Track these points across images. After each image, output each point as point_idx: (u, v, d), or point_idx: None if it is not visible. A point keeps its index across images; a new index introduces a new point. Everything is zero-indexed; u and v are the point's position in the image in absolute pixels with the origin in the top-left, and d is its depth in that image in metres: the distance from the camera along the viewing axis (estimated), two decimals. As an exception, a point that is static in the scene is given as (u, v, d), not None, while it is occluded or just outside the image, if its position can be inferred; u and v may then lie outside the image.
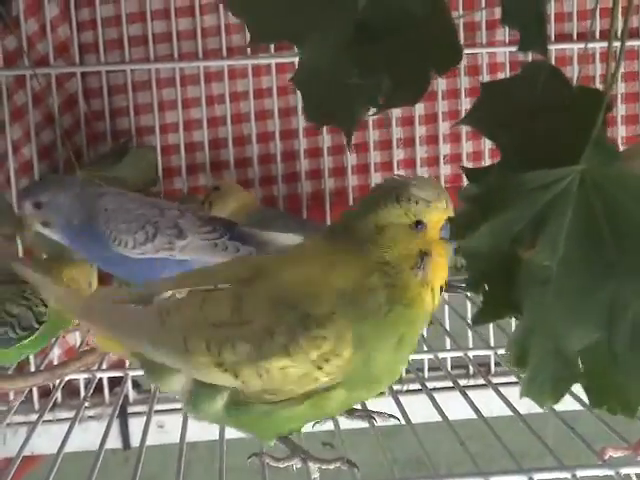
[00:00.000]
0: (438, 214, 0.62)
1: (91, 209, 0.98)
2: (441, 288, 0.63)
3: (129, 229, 0.96)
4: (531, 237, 0.49)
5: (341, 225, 0.65)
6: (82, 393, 1.12)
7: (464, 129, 1.20)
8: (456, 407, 0.81)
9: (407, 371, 1.15)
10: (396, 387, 1.12)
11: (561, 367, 0.49)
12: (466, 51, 1.17)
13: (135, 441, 1.13)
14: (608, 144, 0.49)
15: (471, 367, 1.14)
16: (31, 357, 1.10)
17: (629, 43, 1.16)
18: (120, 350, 0.70)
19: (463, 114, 1.19)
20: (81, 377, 1.02)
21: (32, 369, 1.09)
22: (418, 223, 0.61)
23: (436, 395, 0.81)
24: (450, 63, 0.54)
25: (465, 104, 1.19)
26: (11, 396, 1.08)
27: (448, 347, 1.08)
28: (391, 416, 0.74)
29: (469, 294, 1.11)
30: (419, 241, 0.62)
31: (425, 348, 0.99)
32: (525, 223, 0.49)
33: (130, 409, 1.15)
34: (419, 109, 1.20)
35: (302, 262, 0.65)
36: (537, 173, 0.48)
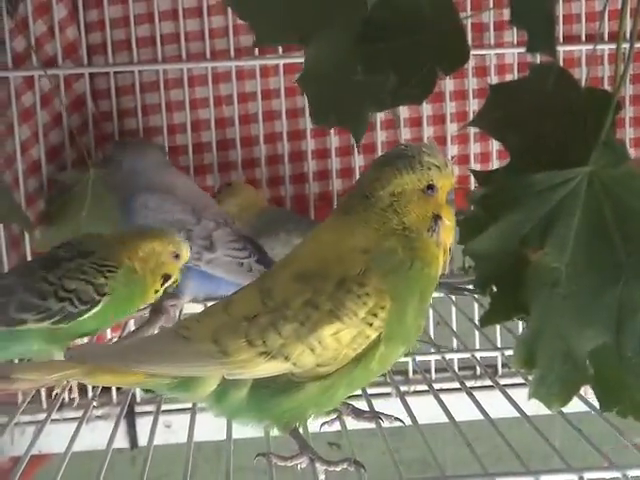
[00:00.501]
0: (447, 179, 0.65)
1: (133, 196, 1.01)
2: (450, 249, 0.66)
3: None
4: (539, 239, 0.49)
5: (353, 200, 0.66)
6: (90, 393, 1.13)
7: (472, 130, 1.20)
8: (463, 408, 0.81)
9: (414, 372, 1.15)
10: (403, 388, 1.12)
11: (570, 369, 0.49)
12: (474, 52, 1.17)
13: (142, 441, 1.13)
14: (617, 145, 0.49)
15: (478, 368, 1.14)
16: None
17: (638, 45, 1.15)
18: (122, 382, 0.70)
19: (471, 115, 1.19)
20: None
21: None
22: (429, 187, 0.64)
23: (443, 396, 0.81)
24: (457, 63, 0.54)
25: (473, 105, 1.19)
26: (19, 396, 1.08)
27: (455, 348, 1.08)
28: (397, 419, 0.75)
29: (476, 296, 1.11)
30: (432, 205, 0.65)
31: (432, 349, 0.99)
32: (533, 225, 0.49)
33: (137, 409, 1.15)
34: (427, 110, 1.20)
35: (322, 237, 0.68)
36: (545, 174, 0.48)
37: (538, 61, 1.09)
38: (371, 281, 0.63)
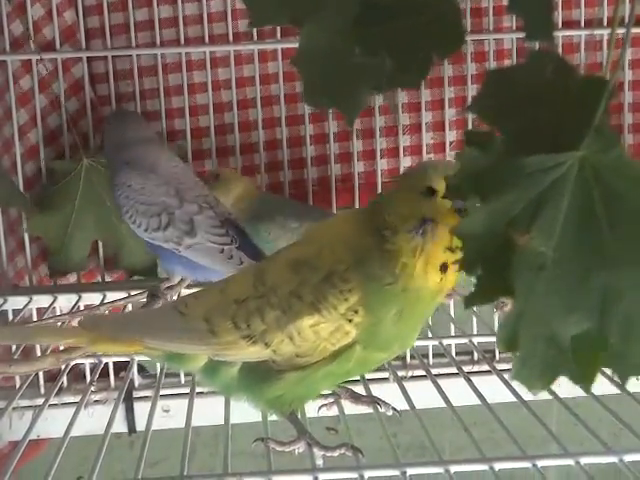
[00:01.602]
0: None
1: (116, 172, 1.02)
2: (445, 266, 0.62)
3: (146, 212, 0.97)
4: (527, 222, 0.49)
5: (373, 200, 0.67)
6: (88, 377, 1.13)
7: (470, 116, 1.20)
8: (460, 393, 0.82)
9: (412, 357, 1.16)
10: (401, 373, 1.12)
11: (552, 353, 0.49)
12: (473, 37, 1.17)
13: (140, 425, 1.14)
14: (609, 132, 0.49)
15: (475, 353, 1.14)
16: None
17: (635, 30, 1.15)
18: (123, 351, 0.73)
19: (470, 101, 1.18)
20: (87, 361, 1.02)
21: (38, 353, 1.10)
22: (428, 190, 0.62)
23: (440, 381, 0.81)
24: (453, 47, 0.54)
25: (472, 90, 1.19)
26: (17, 380, 1.09)
27: (453, 333, 1.08)
28: (394, 409, 0.75)
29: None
30: (425, 207, 0.62)
31: (430, 334, 0.99)
32: (522, 207, 0.49)
33: (135, 393, 1.15)
34: (425, 95, 1.20)
35: (329, 225, 0.68)
36: (536, 157, 0.48)
37: (537, 47, 1.09)
38: (355, 278, 0.62)
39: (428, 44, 0.53)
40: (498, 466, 0.65)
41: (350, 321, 0.62)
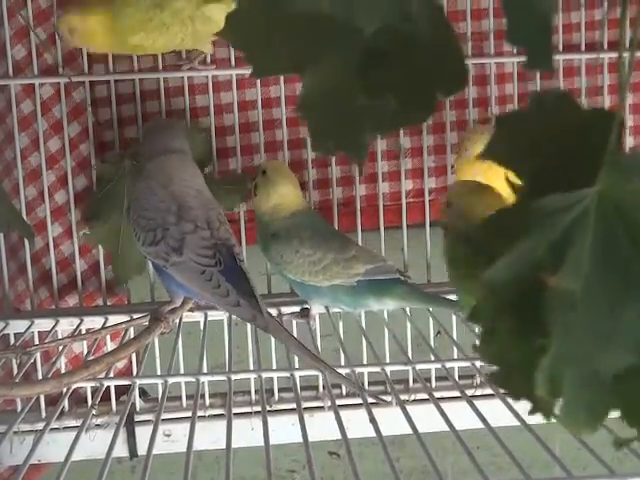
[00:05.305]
0: None
1: (133, 184, 1.04)
2: None
3: (145, 226, 0.97)
4: (553, 262, 0.49)
5: None
6: (89, 401, 1.13)
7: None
8: (463, 417, 0.81)
9: (414, 380, 1.15)
10: (403, 397, 1.12)
11: (596, 393, 0.49)
12: (474, 61, 1.17)
13: (142, 450, 1.13)
14: (623, 163, 0.49)
15: (478, 377, 1.14)
16: (38, 365, 1.10)
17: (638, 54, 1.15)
18: None
19: (471, 124, 1.19)
20: (88, 385, 1.02)
21: (39, 377, 1.09)
22: None
23: (443, 405, 0.81)
24: (456, 88, 0.54)
25: (473, 114, 1.19)
26: (18, 404, 1.08)
27: (455, 357, 1.08)
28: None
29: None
30: None
31: (432, 358, 0.99)
32: (546, 248, 0.49)
33: (137, 418, 1.15)
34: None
35: None
36: (553, 197, 0.48)
37: (537, 74, 1.09)
38: None
39: (432, 85, 0.53)
40: (502, 490, 0.65)
41: None
